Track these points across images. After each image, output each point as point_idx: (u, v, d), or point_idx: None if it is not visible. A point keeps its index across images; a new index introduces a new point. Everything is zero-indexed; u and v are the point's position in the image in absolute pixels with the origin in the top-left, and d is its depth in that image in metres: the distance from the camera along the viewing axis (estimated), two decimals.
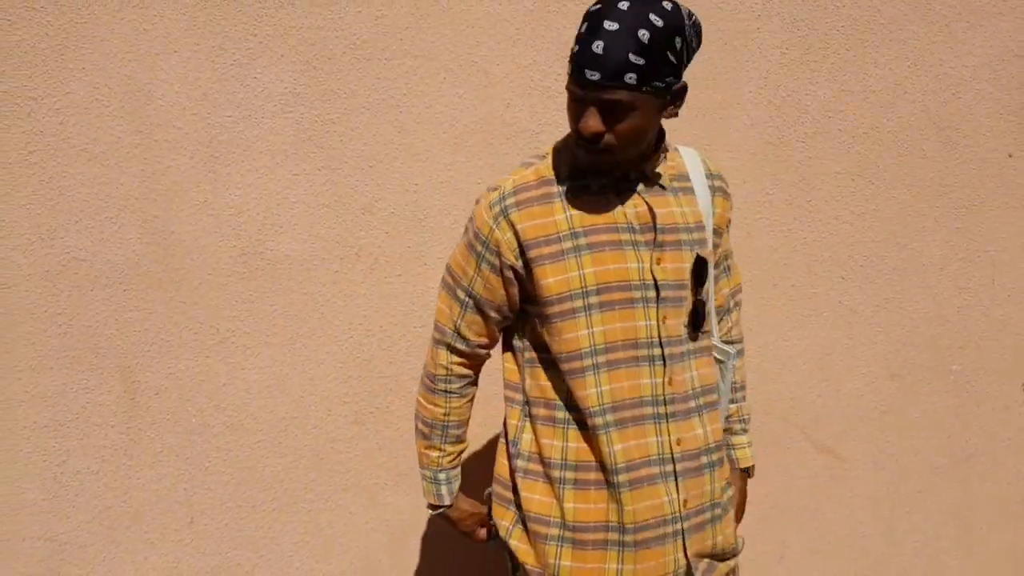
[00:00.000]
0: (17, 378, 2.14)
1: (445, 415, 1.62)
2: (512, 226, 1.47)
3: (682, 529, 1.49)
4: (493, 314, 1.55)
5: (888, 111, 2.38)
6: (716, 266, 1.61)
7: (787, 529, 2.44)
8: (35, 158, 2.10)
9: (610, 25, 1.31)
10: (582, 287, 1.44)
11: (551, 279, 1.44)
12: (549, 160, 1.52)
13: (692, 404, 1.50)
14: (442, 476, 1.65)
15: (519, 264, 1.48)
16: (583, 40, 1.33)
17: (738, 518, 1.72)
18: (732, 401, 1.71)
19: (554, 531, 1.51)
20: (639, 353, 1.45)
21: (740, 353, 1.71)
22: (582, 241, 1.44)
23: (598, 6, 1.36)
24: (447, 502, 1.66)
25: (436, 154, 2.23)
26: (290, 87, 2.17)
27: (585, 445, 1.49)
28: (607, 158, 1.40)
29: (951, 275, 2.44)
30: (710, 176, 1.57)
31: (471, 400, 1.65)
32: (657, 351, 1.46)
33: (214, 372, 2.20)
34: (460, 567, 2.34)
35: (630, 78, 1.31)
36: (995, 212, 2.44)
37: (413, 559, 2.31)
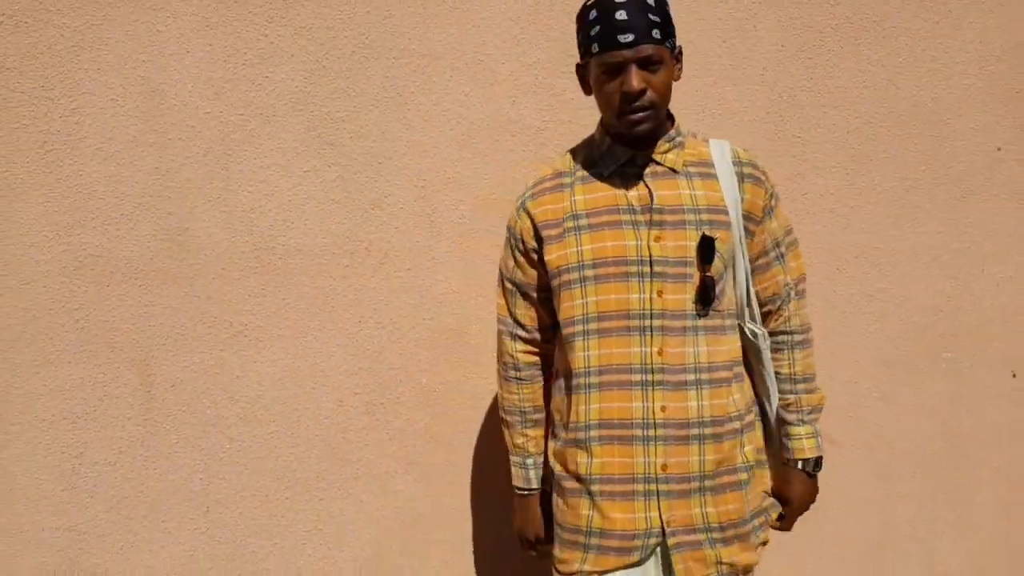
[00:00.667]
0: (36, 372, 2.19)
1: (520, 401, 1.78)
2: (529, 214, 1.68)
3: (657, 491, 1.59)
4: (535, 295, 1.72)
5: (881, 106, 2.45)
6: (765, 253, 1.70)
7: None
8: (52, 157, 2.15)
9: (620, 0, 1.52)
10: (579, 261, 1.61)
11: (554, 255, 1.64)
12: (567, 157, 1.72)
13: (688, 377, 1.58)
14: (529, 461, 1.79)
15: (536, 246, 1.68)
16: (602, 19, 1.52)
17: (793, 515, 1.73)
18: (790, 392, 1.72)
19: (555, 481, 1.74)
20: (631, 323, 1.59)
21: (803, 344, 1.72)
22: (583, 222, 1.62)
23: None
24: (535, 486, 1.79)
25: (443, 150, 2.28)
26: (301, 86, 2.22)
27: (575, 406, 1.65)
28: (649, 115, 1.56)
29: (942, 266, 2.52)
30: (738, 163, 1.66)
31: (542, 387, 1.79)
32: (648, 322, 1.58)
33: (228, 365, 2.25)
34: (469, 554, 2.40)
35: (655, 33, 1.52)
36: (985, 204, 2.52)
37: (423, 546, 2.37)
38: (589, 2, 1.57)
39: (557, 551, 1.70)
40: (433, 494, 2.36)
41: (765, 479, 1.72)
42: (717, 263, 1.59)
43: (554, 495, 1.73)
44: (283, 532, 2.31)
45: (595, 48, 1.54)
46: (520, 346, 1.77)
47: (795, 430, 1.72)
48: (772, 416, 1.74)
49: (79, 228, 2.18)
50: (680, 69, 1.62)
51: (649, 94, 1.54)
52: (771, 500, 1.73)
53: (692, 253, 1.58)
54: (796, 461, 1.73)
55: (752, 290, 1.70)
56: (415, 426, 2.34)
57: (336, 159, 2.25)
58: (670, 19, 1.57)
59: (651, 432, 1.59)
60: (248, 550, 2.30)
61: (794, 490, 1.73)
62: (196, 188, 2.21)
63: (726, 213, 1.62)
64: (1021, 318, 2.56)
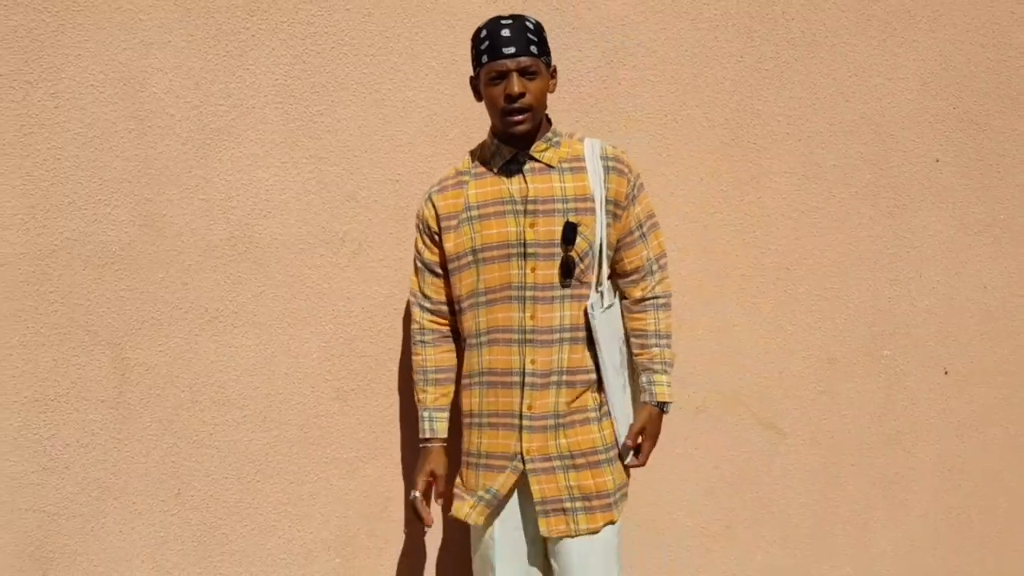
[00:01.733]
0: (8, 354, 2.20)
1: (423, 361, 2.09)
2: (434, 206, 2.03)
3: (520, 425, 1.94)
4: (439, 271, 2.05)
5: (831, 116, 2.60)
6: (630, 233, 2.02)
7: (733, 499, 2.65)
8: (30, 140, 2.17)
9: (505, 21, 1.89)
10: (471, 247, 1.96)
11: (451, 243, 1.99)
12: (467, 158, 2.06)
13: (554, 336, 1.94)
14: (425, 414, 2.07)
15: (438, 230, 2.02)
16: (490, 37, 1.88)
17: (649, 443, 2.03)
18: (655, 346, 2.04)
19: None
20: (512, 294, 1.95)
21: (665, 307, 2.06)
22: (474, 213, 1.97)
23: (487, 22, 1.90)
24: (428, 435, 2.06)
25: (417, 146, 2.36)
26: (280, 80, 2.27)
27: (469, 360, 2.03)
28: (527, 117, 1.89)
29: (883, 268, 2.68)
30: (604, 158, 1.99)
31: (449, 353, 2.10)
32: (524, 293, 1.94)
33: (203, 350, 2.30)
34: (436, 538, 2.48)
35: (533, 48, 1.88)
36: (923, 211, 2.69)
37: (389, 529, 2.44)
38: (481, 25, 1.92)
39: (459, 477, 2.05)
40: (400, 479, 2.43)
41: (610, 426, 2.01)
42: (580, 243, 1.93)
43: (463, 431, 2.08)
44: (253, 514, 2.37)
45: (484, 59, 1.88)
46: (427, 316, 2.09)
47: (658, 377, 2.03)
48: (606, 373, 2.01)
49: (56, 212, 2.20)
50: (555, 83, 1.97)
51: (527, 97, 1.87)
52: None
53: (558, 237, 1.92)
54: (658, 403, 2.03)
55: (606, 269, 2.00)
56: (384, 412, 2.41)
57: (313, 151, 2.31)
58: (546, 42, 1.94)
59: (519, 380, 1.95)
60: (219, 531, 2.35)
61: (654, 425, 2.03)
62: (174, 176, 2.25)
63: (592, 201, 1.95)
64: (953, 319, 2.74)
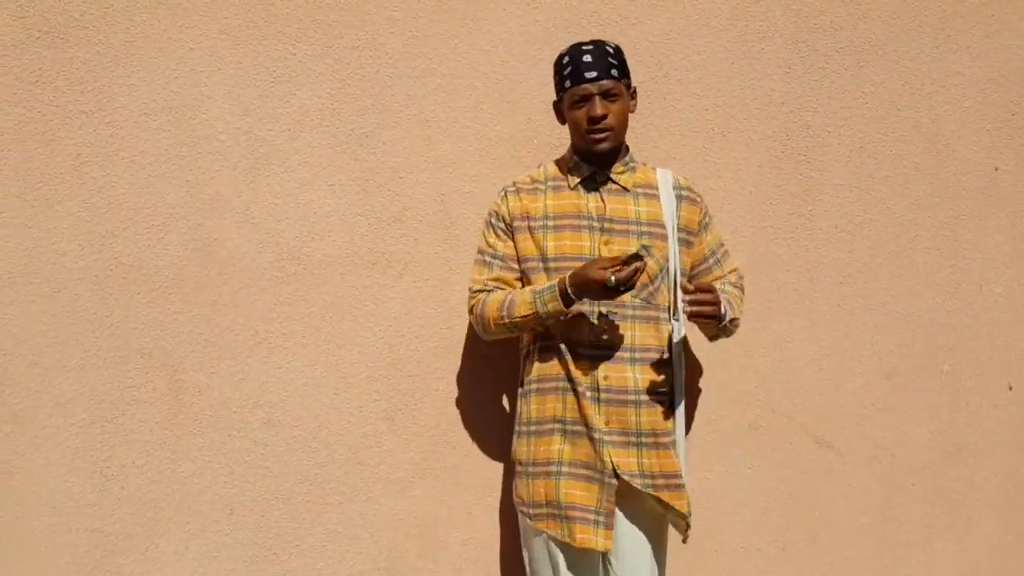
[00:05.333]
0: (66, 377, 2.25)
1: (505, 295, 2.00)
2: (508, 202, 2.07)
3: (604, 440, 1.95)
4: (512, 265, 2.05)
5: (883, 126, 2.54)
6: (704, 260, 2.11)
7: (788, 520, 2.59)
8: (85, 169, 2.23)
9: (587, 47, 1.98)
10: (542, 254, 2.00)
11: (521, 245, 2.03)
12: (541, 169, 2.12)
13: (626, 355, 1.97)
14: (538, 291, 1.95)
15: (510, 225, 2.05)
16: (573, 63, 1.96)
17: (709, 298, 1.91)
18: (728, 287, 2.11)
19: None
20: (582, 307, 1.96)
21: (736, 287, 2.14)
22: (550, 223, 2.02)
23: (569, 48, 2.00)
24: (556, 285, 1.92)
25: (463, 166, 2.37)
26: (327, 103, 2.30)
27: (540, 363, 2.03)
28: (610, 136, 1.96)
29: (942, 281, 2.61)
30: (677, 187, 2.07)
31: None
32: (594, 307, 1.97)
33: (253, 371, 2.32)
34: (485, 559, 2.46)
35: (614, 71, 1.96)
36: (983, 222, 2.61)
37: (439, 549, 2.44)
38: (563, 51, 2.01)
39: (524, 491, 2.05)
40: (448, 499, 2.43)
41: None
42: (652, 264, 1.96)
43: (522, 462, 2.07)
44: (304, 535, 2.38)
45: (567, 84, 1.97)
46: (488, 289, 2.05)
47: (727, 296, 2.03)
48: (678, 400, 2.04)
49: (111, 238, 2.25)
50: (635, 104, 2.05)
51: (609, 118, 1.95)
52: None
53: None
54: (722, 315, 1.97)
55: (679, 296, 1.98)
56: (432, 432, 2.41)
57: (359, 174, 2.33)
58: (626, 64, 2.01)
59: (595, 394, 1.96)
60: (270, 552, 2.37)
61: (713, 303, 1.92)
62: (225, 200, 2.28)
63: (663, 227, 2.01)
64: (1017, 333, 2.65)
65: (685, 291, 1.90)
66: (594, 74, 1.93)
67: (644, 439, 1.97)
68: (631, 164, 2.06)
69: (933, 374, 2.62)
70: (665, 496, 1.98)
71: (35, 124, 2.19)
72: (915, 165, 2.56)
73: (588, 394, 1.97)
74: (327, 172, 2.32)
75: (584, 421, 1.97)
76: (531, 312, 1.95)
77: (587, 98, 1.94)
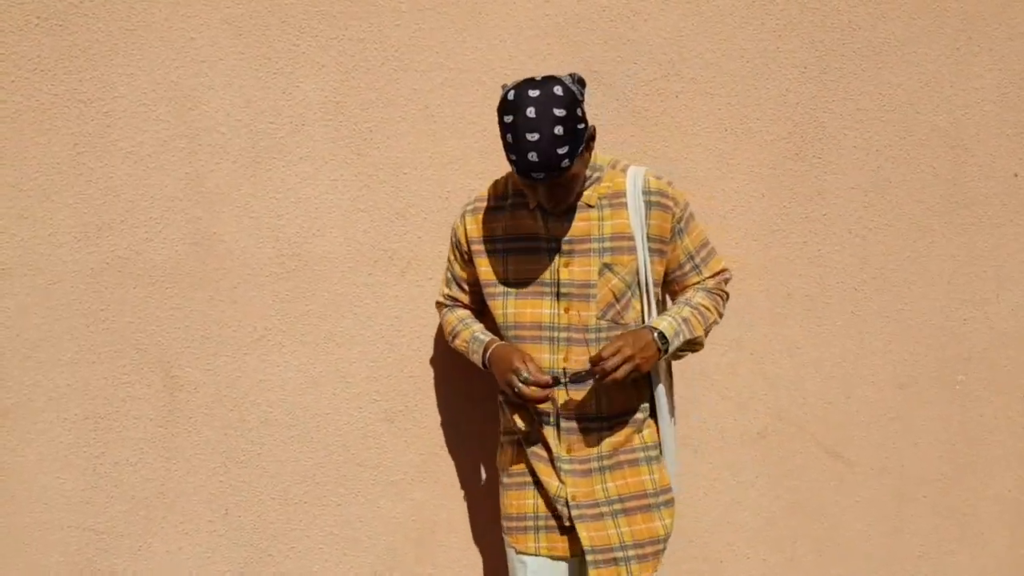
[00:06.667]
0: (60, 372, 2.21)
1: (459, 319, 2.04)
2: (465, 224, 1.97)
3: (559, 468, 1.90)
4: (468, 287, 2.04)
5: (900, 129, 2.48)
6: (680, 266, 1.94)
7: (797, 529, 2.53)
8: (82, 159, 2.18)
9: (532, 136, 1.65)
10: (503, 278, 1.91)
11: (481, 268, 1.94)
12: (508, 182, 1.96)
13: (590, 380, 1.86)
14: (476, 336, 1.97)
15: (468, 250, 1.97)
16: (516, 149, 1.67)
17: (626, 353, 1.75)
18: (684, 304, 1.91)
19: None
20: (543, 333, 1.88)
21: (711, 295, 1.95)
22: (510, 246, 1.91)
23: (511, 117, 1.67)
24: (486, 341, 1.93)
25: (468, 163, 2.31)
26: (330, 96, 2.25)
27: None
28: (563, 205, 1.81)
29: (958, 289, 2.54)
30: (647, 192, 1.87)
31: (478, 315, 2.07)
32: (556, 334, 1.87)
33: (251, 369, 2.27)
34: (484, 560, 2.42)
35: (564, 163, 1.69)
36: (1000, 229, 2.54)
37: (437, 553, 2.39)
38: (507, 119, 1.67)
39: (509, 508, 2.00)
40: (448, 501, 2.38)
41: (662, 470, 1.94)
42: (616, 283, 1.86)
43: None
44: (300, 536, 2.33)
45: (510, 157, 1.70)
46: (453, 302, 2.09)
47: (667, 319, 1.84)
48: (661, 414, 1.94)
49: (107, 230, 2.20)
50: (593, 145, 1.80)
51: (561, 196, 1.78)
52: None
53: (594, 277, 1.86)
54: (653, 328, 1.81)
55: (654, 307, 1.90)
56: (433, 435, 2.36)
57: (362, 169, 2.28)
58: (577, 131, 1.68)
59: (554, 420, 1.90)
60: (266, 554, 2.32)
61: (639, 340, 1.78)
62: (224, 194, 2.23)
63: (631, 239, 1.87)
64: None
65: (592, 370, 1.78)
66: (542, 175, 1.68)
67: (605, 461, 1.91)
68: (596, 176, 1.88)
69: (946, 384, 2.56)
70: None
71: (32, 113, 2.14)
72: (932, 169, 2.50)
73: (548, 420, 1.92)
74: (329, 167, 2.26)
75: (544, 443, 1.93)
76: (465, 351, 2.01)
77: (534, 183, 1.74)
